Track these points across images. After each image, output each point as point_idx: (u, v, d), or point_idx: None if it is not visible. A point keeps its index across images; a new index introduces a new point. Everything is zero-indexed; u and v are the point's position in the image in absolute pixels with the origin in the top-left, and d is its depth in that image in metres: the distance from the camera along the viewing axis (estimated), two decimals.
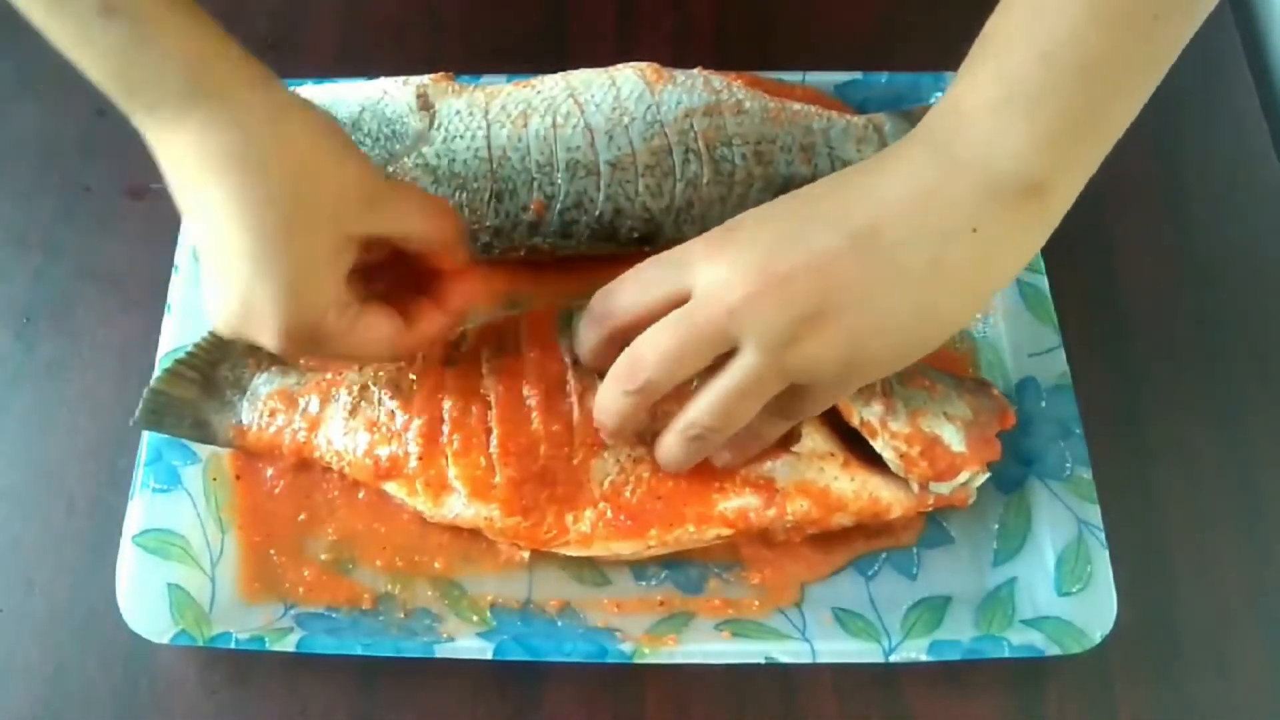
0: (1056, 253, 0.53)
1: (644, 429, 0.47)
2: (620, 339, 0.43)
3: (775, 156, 0.56)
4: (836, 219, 0.39)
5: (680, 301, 0.41)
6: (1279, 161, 0.63)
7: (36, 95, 0.65)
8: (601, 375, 0.45)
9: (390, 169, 0.55)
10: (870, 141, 0.58)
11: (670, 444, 0.45)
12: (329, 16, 0.69)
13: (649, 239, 0.56)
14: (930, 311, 0.40)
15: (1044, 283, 0.55)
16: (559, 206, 0.55)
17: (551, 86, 0.56)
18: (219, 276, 0.42)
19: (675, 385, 0.42)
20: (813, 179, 0.57)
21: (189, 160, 0.41)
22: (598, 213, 0.55)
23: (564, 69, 0.57)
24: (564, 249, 0.56)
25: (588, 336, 0.45)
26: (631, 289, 0.43)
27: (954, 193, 0.39)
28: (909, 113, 0.59)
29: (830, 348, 0.39)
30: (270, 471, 0.52)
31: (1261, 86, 0.65)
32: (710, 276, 0.40)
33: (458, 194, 0.55)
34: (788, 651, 0.48)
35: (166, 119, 0.41)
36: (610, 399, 0.43)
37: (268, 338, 0.42)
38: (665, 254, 0.43)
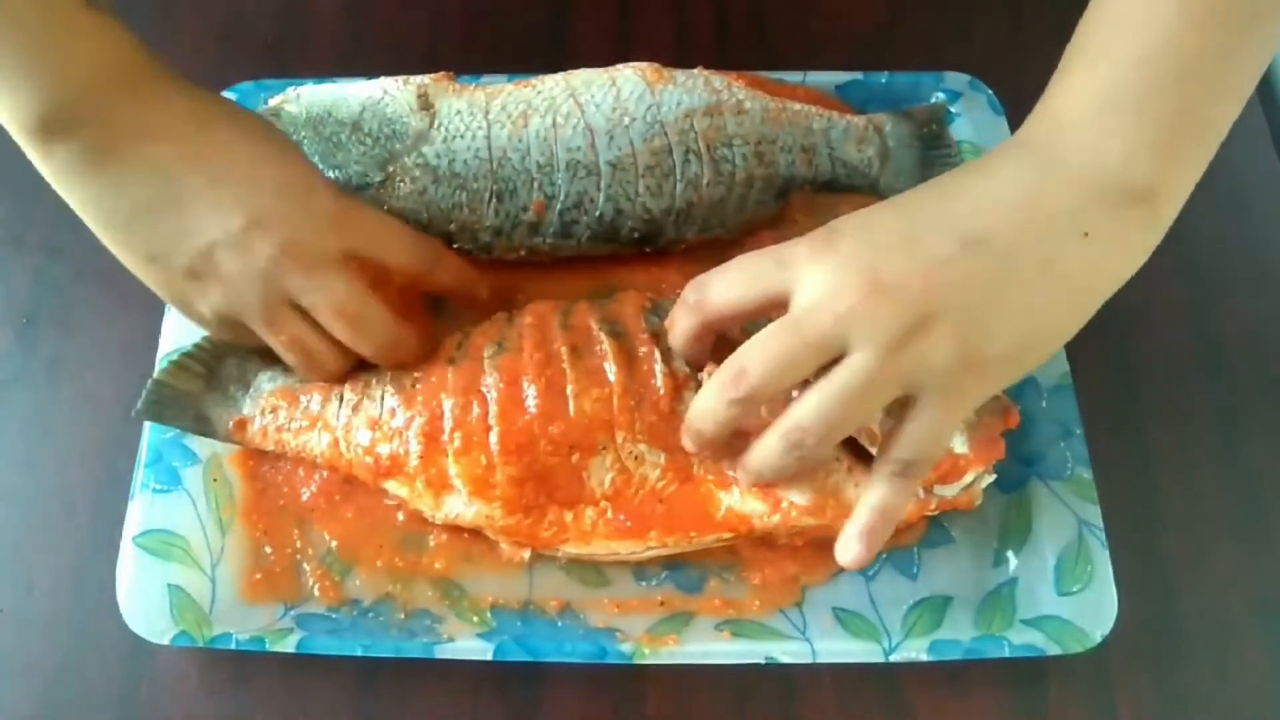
0: None
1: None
2: (714, 330, 0.44)
3: (776, 157, 0.56)
4: (944, 224, 0.39)
5: (780, 301, 0.41)
6: (1279, 161, 0.63)
7: None
8: (690, 364, 0.46)
9: (390, 169, 0.55)
10: (871, 142, 0.58)
11: (770, 447, 0.42)
12: (329, 16, 0.69)
13: (649, 239, 0.56)
14: (1042, 315, 0.40)
15: None
16: (559, 206, 0.55)
17: (552, 86, 0.56)
18: (226, 185, 0.44)
19: (780, 394, 0.41)
20: (813, 180, 0.57)
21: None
22: (598, 213, 0.55)
23: (564, 69, 0.57)
24: (564, 249, 0.56)
25: (682, 324, 0.44)
26: (731, 282, 0.42)
27: (1062, 198, 0.39)
28: (910, 112, 0.59)
29: (943, 350, 0.38)
30: (272, 469, 0.52)
31: (1262, 87, 0.65)
32: (817, 282, 0.39)
33: (458, 194, 0.55)
34: (788, 651, 0.48)
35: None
36: (712, 407, 0.42)
37: (268, 246, 0.44)
38: (766, 251, 0.42)
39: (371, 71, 0.59)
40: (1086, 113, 0.40)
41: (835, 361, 0.40)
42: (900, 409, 0.41)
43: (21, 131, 0.43)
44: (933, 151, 0.59)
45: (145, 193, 0.44)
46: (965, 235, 0.39)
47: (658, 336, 0.49)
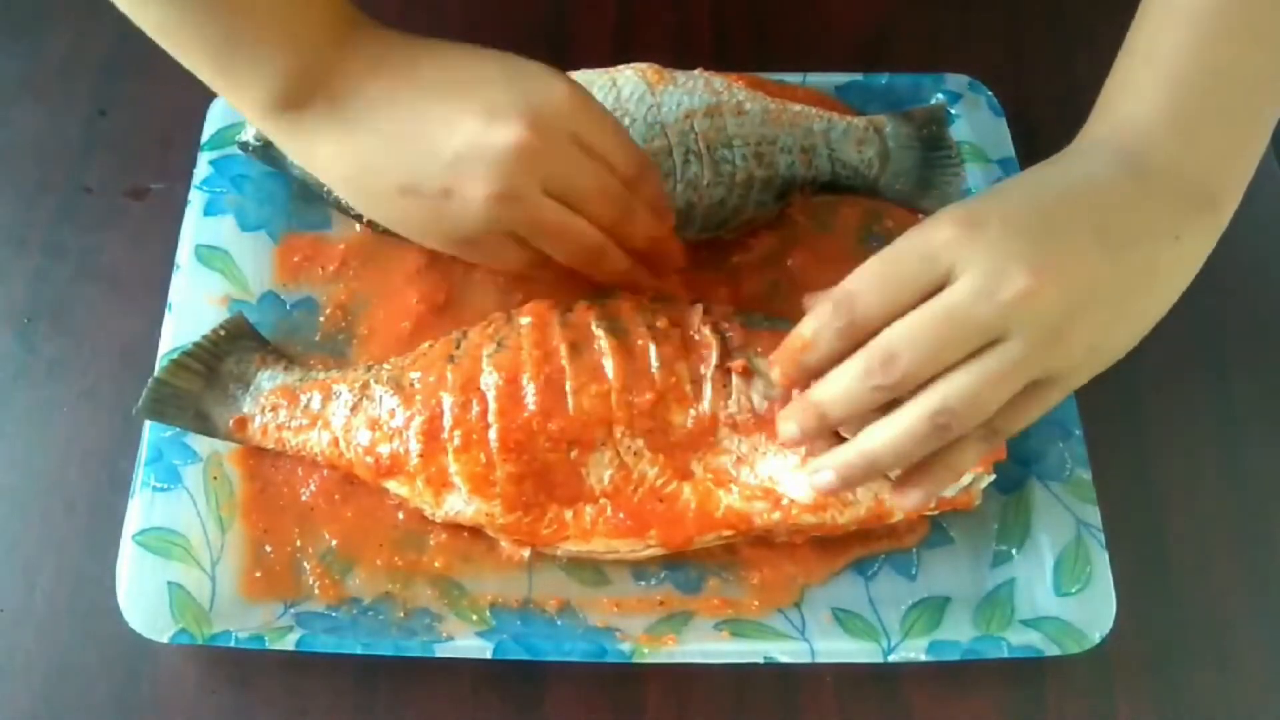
0: None
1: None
2: (861, 333, 0.42)
3: (776, 158, 0.56)
4: (1076, 218, 0.41)
5: (933, 293, 0.40)
6: (1278, 162, 0.63)
7: (36, 95, 0.65)
8: (817, 368, 0.43)
9: None
10: (871, 143, 0.58)
11: (910, 429, 0.41)
12: None
13: None
14: (1147, 311, 0.42)
15: None
16: None
17: None
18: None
19: (929, 379, 0.40)
20: (813, 181, 0.57)
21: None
22: None
23: (564, 69, 0.57)
24: None
25: (831, 344, 0.42)
26: (881, 291, 0.41)
27: (1158, 202, 0.41)
28: (910, 114, 0.59)
29: (1085, 340, 0.40)
30: (272, 468, 0.52)
31: None
32: (976, 270, 0.39)
33: None
34: (787, 651, 0.48)
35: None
36: (853, 391, 0.41)
37: (511, 134, 0.43)
38: (901, 245, 0.42)
39: None
40: (1165, 122, 0.42)
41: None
42: None
43: (266, 111, 0.45)
44: (933, 153, 0.59)
45: (386, 127, 0.45)
46: (1096, 230, 0.40)
47: (656, 332, 0.49)
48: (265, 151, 0.57)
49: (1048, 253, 0.40)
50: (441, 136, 0.44)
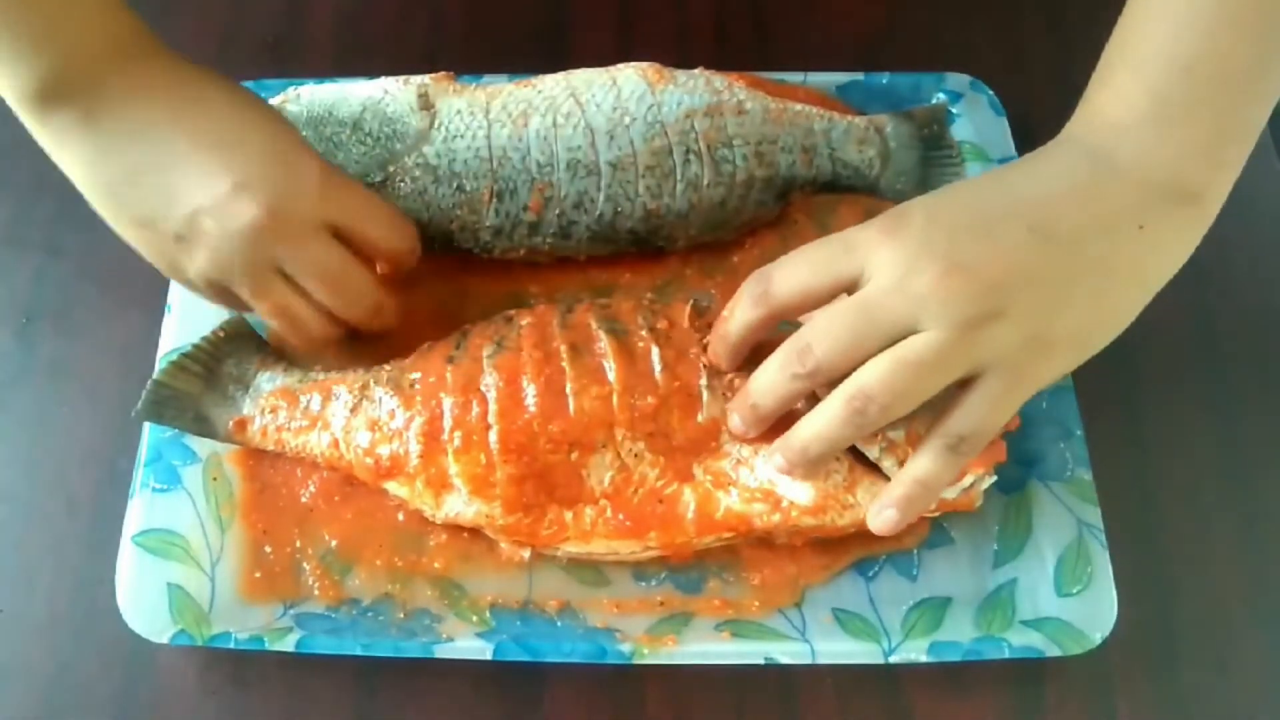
0: None
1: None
2: (777, 321, 0.44)
3: (776, 157, 0.56)
4: (1012, 213, 0.41)
5: (848, 285, 0.42)
6: (1279, 161, 0.63)
7: None
8: (725, 366, 0.47)
9: (391, 168, 0.55)
10: (872, 143, 0.58)
11: (828, 414, 0.42)
12: (329, 16, 0.69)
13: (649, 239, 0.56)
14: (1103, 303, 0.42)
15: None
16: (559, 206, 0.55)
17: (552, 86, 0.56)
18: (221, 149, 0.45)
19: (844, 372, 0.42)
20: (814, 181, 0.57)
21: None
22: (598, 213, 0.55)
23: (564, 69, 0.57)
24: (564, 249, 0.56)
25: (745, 315, 0.45)
26: (798, 271, 0.43)
27: (1120, 196, 0.41)
28: (910, 113, 0.59)
29: (1013, 333, 0.40)
30: (271, 469, 0.52)
31: None
32: (889, 264, 0.40)
33: (458, 193, 0.55)
34: (787, 652, 0.48)
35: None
36: (775, 382, 0.43)
37: (252, 211, 0.44)
38: (831, 237, 0.43)
39: (372, 71, 0.59)
40: (1137, 117, 0.42)
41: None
42: (956, 390, 0.42)
43: (20, 100, 0.44)
44: (934, 152, 0.59)
45: (134, 157, 0.45)
46: (1034, 225, 0.41)
47: (657, 333, 0.49)
48: None
49: (966, 247, 0.40)
50: (185, 188, 0.45)
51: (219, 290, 0.48)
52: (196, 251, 0.46)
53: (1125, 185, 0.42)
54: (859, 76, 0.61)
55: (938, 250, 0.40)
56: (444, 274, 0.57)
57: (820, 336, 0.42)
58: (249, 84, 0.61)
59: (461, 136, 0.55)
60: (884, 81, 0.61)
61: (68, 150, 0.46)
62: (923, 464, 0.43)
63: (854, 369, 0.41)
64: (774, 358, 0.44)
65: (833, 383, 0.42)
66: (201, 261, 0.46)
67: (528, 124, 0.55)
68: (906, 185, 0.58)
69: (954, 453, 0.42)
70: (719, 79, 0.57)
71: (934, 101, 0.61)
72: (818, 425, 0.43)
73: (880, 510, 0.44)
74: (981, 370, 0.41)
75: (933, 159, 0.59)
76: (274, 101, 0.58)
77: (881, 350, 0.41)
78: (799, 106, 0.58)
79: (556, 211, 0.55)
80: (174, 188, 0.45)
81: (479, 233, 0.55)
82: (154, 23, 0.68)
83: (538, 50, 0.67)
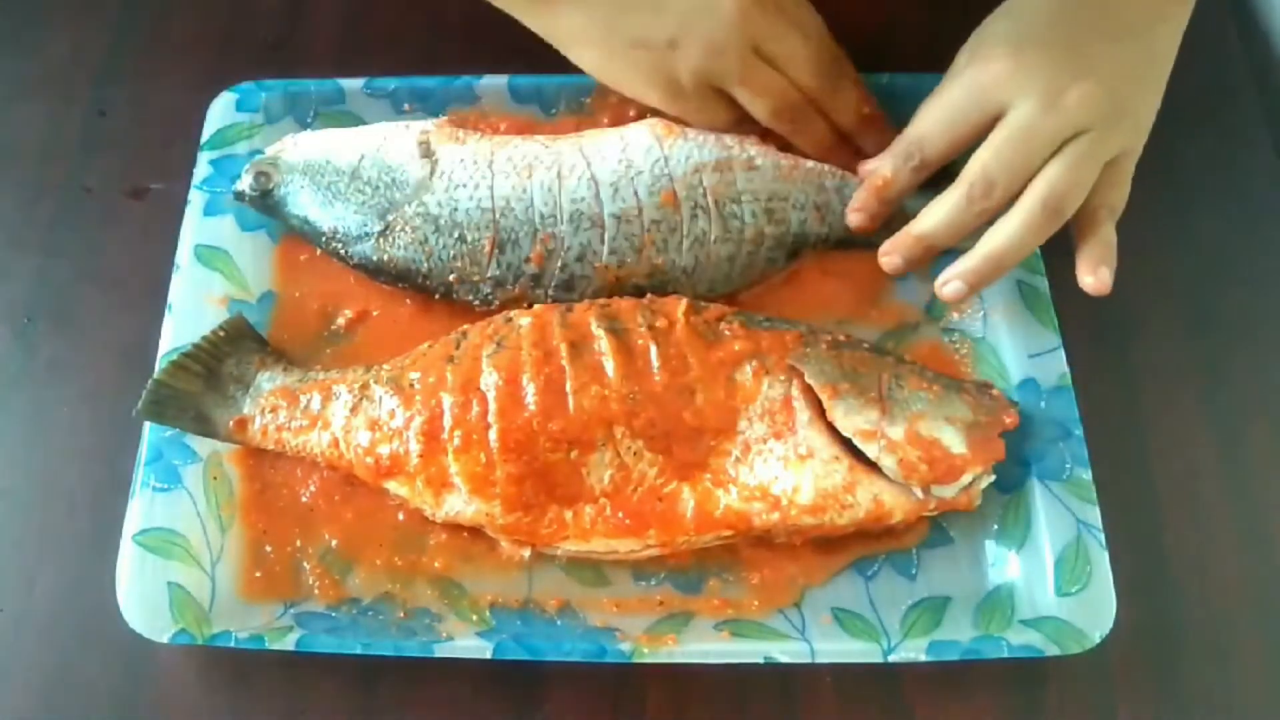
0: (1057, 253, 0.53)
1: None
2: (930, 169, 0.52)
3: (787, 214, 0.55)
4: (1083, 24, 0.49)
5: (992, 121, 0.49)
6: (1279, 161, 0.63)
7: (36, 95, 0.65)
8: (893, 206, 0.53)
9: (390, 217, 0.55)
10: None
11: (1026, 218, 0.48)
12: (329, 16, 0.69)
13: (653, 293, 0.54)
14: (1157, 75, 0.50)
15: (1044, 283, 0.55)
16: (561, 258, 0.54)
17: (560, 141, 0.56)
18: None
19: (1018, 194, 0.48)
20: (826, 238, 0.56)
21: None
22: (602, 265, 0.54)
23: (562, 70, 0.57)
24: (565, 300, 0.54)
25: (905, 180, 0.52)
26: (944, 123, 0.50)
27: (1142, 3, 0.50)
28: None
29: (1132, 116, 0.49)
30: (272, 468, 0.52)
31: (1262, 86, 0.65)
32: (1030, 91, 0.48)
33: (459, 244, 0.54)
34: (787, 651, 0.48)
35: None
36: (958, 217, 0.50)
37: None
38: (952, 86, 0.51)
39: (371, 71, 0.59)
40: None
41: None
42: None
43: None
44: None
45: None
46: (1103, 31, 0.49)
47: (656, 331, 0.49)
48: (262, 201, 0.56)
49: (1081, 59, 0.48)
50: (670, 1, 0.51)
51: (706, 91, 0.54)
52: (690, 49, 0.52)
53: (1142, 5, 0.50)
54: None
55: (1064, 68, 0.48)
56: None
57: (1000, 169, 0.48)
58: (249, 84, 0.61)
59: (463, 186, 0.55)
60: (884, 81, 0.61)
61: (564, 15, 0.54)
62: (1007, 229, 0.49)
63: (1025, 187, 0.48)
64: (954, 200, 0.49)
65: (1000, 209, 0.49)
66: (695, 57, 0.52)
67: (532, 175, 0.55)
68: None
69: (1043, 214, 0.48)
70: (729, 135, 0.56)
71: None
72: (1014, 233, 0.49)
73: (950, 280, 0.50)
74: (1119, 153, 0.49)
75: None
76: (271, 150, 0.58)
77: (1045, 160, 0.48)
78: (810, 163, 0.57)
79: (559, 264, 0.54)
80: (660, 3, 0.51)
81: (479, 284, 0.54)
82: (154, 22, 0.68)
83: (537, 50, 0.67)
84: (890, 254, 0.52)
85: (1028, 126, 0.48)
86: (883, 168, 0.53)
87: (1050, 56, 0.48)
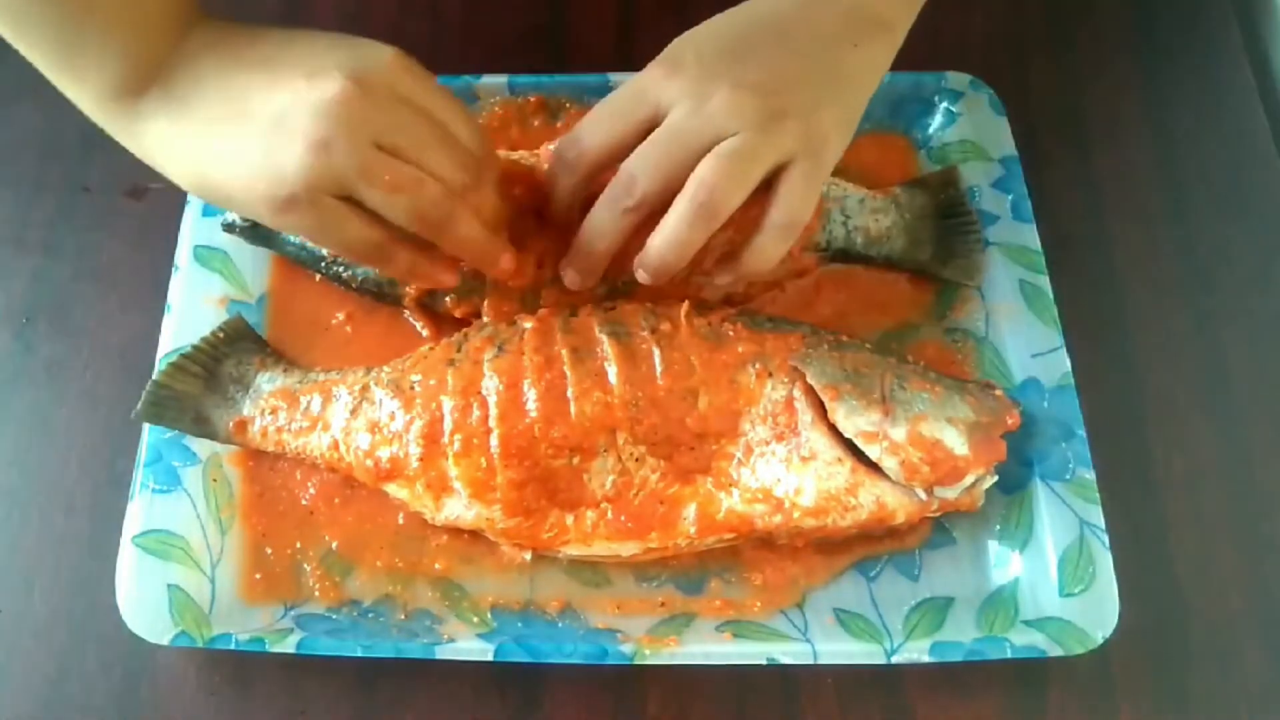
0: (1058, 253, 0.53)
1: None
2: (593, 178, 0.49)
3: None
4: (762, 32, 0.48)
5: (651, 125, 0.47)
6: (1279, 160, 0.63)
7: (36, 95, 0.65)
8: (575, 221, 0.49)
9: None
10: (887, 212, 0.57)
11: (678, 214, 0.46)
12: (329, 16, 0.69)
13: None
14: (846, 97, 0.49)
15: (1046, 283, 0.55)
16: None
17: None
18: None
19: (666, 197, 0.46)
20: (827, 248, 0.56)
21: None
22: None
23: (564, 69, 0.57)
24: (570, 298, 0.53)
25: (565, 184, 0.49)
26: (602, 126, 0.48)
27: (830, 20, 0.49)
28: (923, 180, 0.58)
29: (798, 123, 0.46)
30: (272, 470, 0.52)
31: (1262, 86, 0.65)
32: (682, 95, 0.46)
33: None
34: (789, 652, 0.48)
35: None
36: (606, 220, 0.47)
37: (334, 83, 0.44)
38: (618, 92, 0.48)
39: None
40: None
41: None
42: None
43: (105, 101, 0.46)
44: (951, 220, 0.57)
45: (215, 105, 0.45)
46: (780, 40, 0.48)
47: (659, 335, 0.49)
48: (252, 231, 0.56)
49: (738, 67, 0.46)
50: (261, 101, 0.44)
51: (327, 206, 0.44)
52: (289, 150, 0.43)
53: (835, 12, 0.49)
54: None
55: (719, 74, 0.46)
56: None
57: (642, 167, 0.46)
58: None
59: None
60: (884, 81, 0.61)
61: (153, 130, 0.46)
62: (664, 226, 0.46)
63: (674, 193, 0.46)
64: (600, 202, 0.47)
65: (655, 213, 0.46)
66: (296, 157, 0.43)
67: None
68: (926, 256, 0.57)
69: (784, 229, 0.47)
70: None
71: (936, 105, 0.61)
72: (671, 230, 0.46)
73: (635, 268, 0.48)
74: (786, 161, 0.46)
75: (950, 226, 0.57)
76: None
77: (697, 164, 0.45)
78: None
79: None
80: (253, 108, 0.44)
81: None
82: None
83: (537, 51, 0.67)
84: (566, 271, 0.50)
85: (673, 128, 0.46)
86: (547, 171, 0.50)
87: (707, 63, 0.47)
